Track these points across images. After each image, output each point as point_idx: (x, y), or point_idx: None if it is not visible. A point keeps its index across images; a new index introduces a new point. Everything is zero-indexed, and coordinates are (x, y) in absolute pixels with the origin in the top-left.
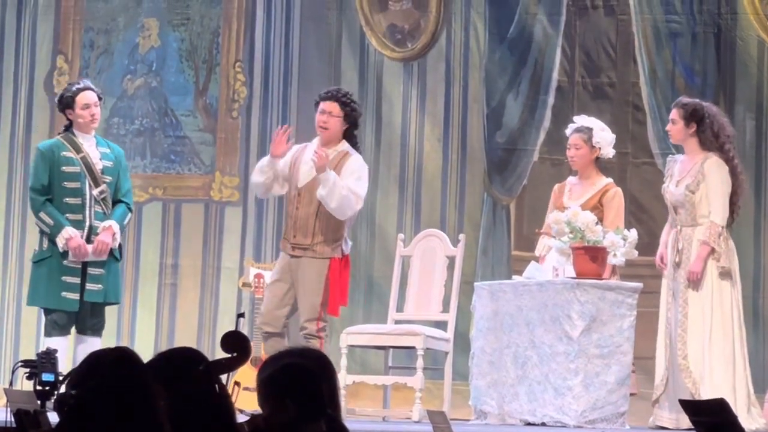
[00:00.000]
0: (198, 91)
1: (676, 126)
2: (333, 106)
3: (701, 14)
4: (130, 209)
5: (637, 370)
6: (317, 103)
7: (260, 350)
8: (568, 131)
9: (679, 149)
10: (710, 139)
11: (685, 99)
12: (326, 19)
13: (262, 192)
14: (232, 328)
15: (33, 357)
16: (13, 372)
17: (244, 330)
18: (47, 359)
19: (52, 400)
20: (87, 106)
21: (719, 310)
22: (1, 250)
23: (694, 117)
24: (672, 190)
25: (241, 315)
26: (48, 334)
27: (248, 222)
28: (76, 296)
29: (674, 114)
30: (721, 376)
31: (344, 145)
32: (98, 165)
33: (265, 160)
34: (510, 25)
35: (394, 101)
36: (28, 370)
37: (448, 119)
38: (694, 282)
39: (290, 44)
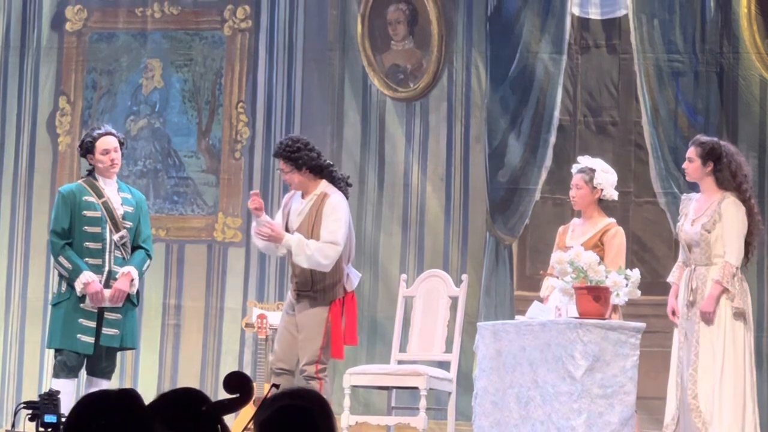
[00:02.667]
0: (201, 132)
1: (693, 164)
2: (281, 164)
3: (703, 53)
4: (149, 256)
5: (639, 411)
6: None
7: (263, 391)
8: (573, 171)
9: (684, 188)
10: (728, 179)
11: (702, 137)
12: (328, 60)
13: (271, 253)
14: (235, 369)
15: (35, 398)
16: (15, 413)
17: (247, 371)
18: (50, 401)
19: None
20: (107, 152)
21: (732, 351)
22: (3, 292)
23: (711, 155)
24: (687, 229)
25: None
26: (56, 375)
27: (251, 263)
28: (91, 340)
29: (691, 152)
30: (731, 418)
31: (322, 187)
32: (119, 210)
33: (253, 224)
34: (511, 64)
35: (396, 141)
36: (30, 411)
37: (450, 159)
38: (707, 321)
39: (293, 85)
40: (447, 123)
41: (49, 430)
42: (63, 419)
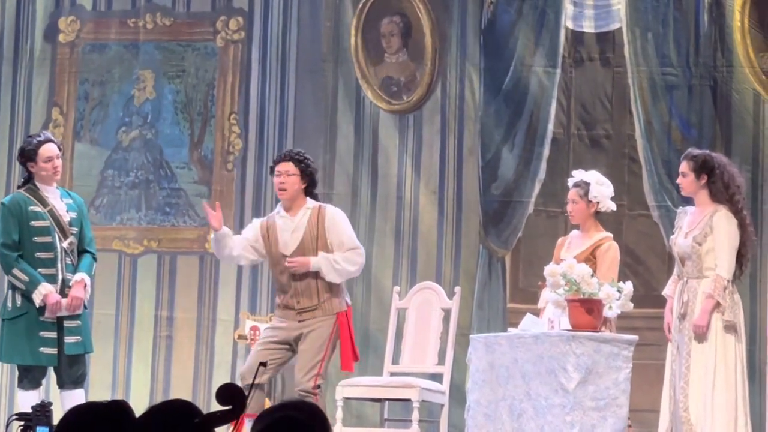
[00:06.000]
0: (193, 143)
1: (686, 178)
2: (288, 166)
3: (697, 67)
4: (95, 258)
5: (632, 423)
6: (272, 170)
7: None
8: (569, 185)
9: (677, 201)
10: (721, 190)
11: (694, 151)
12: (322, 72)
13: (233, 262)
14: (229, 381)
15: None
16: (7, 425)
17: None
18: (42, 412)
19: None
20: (50, 159)
21: (723, 364)
22: None
23: (704, 168)
24: (680, 242)
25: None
26: (25, 387)
27: (243, 274)
28: (54, 351)
29: (684, 166)
30: (722, 429)
31: (311, 203)
32: (65, 217)
33: (212, 238)
34: (505, 77)
35: (389, 154)
36: (22, 423)
37: (443, 171)
38: (699, 335)
39: (285, 96)
40: (440, 135)
41: None
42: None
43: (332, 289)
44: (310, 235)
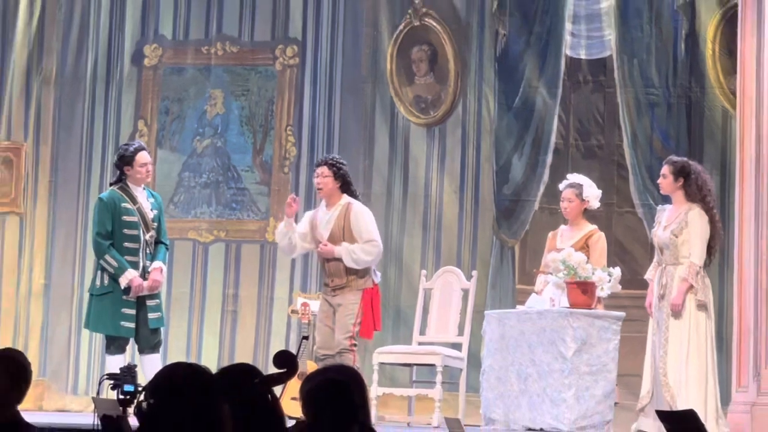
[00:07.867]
0: (255, 150)
1: (666, 180)
2: (323, 169)
3: (675, 88)
4: (167, 248)
5: (619, 385)
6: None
7: (305, 366)
8: (561, 186)
9: (658, 200)
10: (695, 192)
11: (674, 157)
12: (363, 91)
13: (288, 251)
14: (284, 348)
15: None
16: (99, 384)
17: (292, 350)
18: (128, 373)
19: (133, 408)
20: (145, 164)
21: (695, 337)
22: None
23: (682, 173)
24: (660, 234)
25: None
26: (112, 353)
27: (297, 260)
28: (132, 325)
29: (665, 170)
30: (695, 392)
31: (345, 199)
32: (149, 214)
33: (282, 224)
34: (515, 96)
35: (418, 160)
36: (112, 382)
37: (463, 175)
38: (675, 313)
39: (332, 112)
40: (461, 145)
41: (128, 397)
42: (139, 388)
43: (358, 271)
44: (338, 227)
